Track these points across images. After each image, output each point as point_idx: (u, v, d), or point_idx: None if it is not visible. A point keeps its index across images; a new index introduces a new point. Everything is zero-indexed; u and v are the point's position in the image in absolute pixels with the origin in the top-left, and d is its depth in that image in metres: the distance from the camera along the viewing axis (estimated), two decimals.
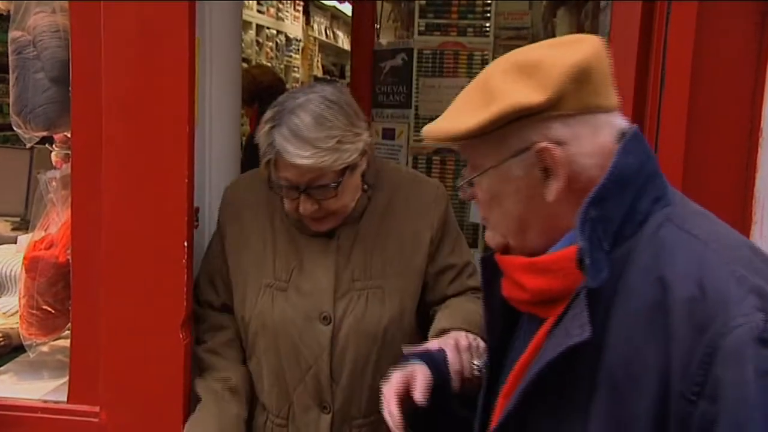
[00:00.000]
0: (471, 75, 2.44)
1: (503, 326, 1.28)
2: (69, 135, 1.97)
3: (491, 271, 1.26)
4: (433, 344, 1.43)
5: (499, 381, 1.24)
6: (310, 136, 1.47)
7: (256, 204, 1.68)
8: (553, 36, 2.72)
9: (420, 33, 2.24)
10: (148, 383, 1.77)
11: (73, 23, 1.82)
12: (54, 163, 2.15)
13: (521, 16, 2.45)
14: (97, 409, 1.86)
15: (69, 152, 1.98)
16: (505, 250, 1.20)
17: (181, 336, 1.77)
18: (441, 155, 2.34)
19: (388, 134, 2.28)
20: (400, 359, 1.38)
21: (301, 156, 1.47)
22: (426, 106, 2.27)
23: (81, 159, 1.86)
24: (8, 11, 2.01)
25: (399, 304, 1.62)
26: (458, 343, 1.41)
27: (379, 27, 2.34)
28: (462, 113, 1.11)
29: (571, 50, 1.07)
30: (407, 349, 1.42)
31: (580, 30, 2.40)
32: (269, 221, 1.67)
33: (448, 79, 2.26)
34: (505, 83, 1.07)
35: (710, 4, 1.65)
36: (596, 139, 1.08)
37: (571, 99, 1.05)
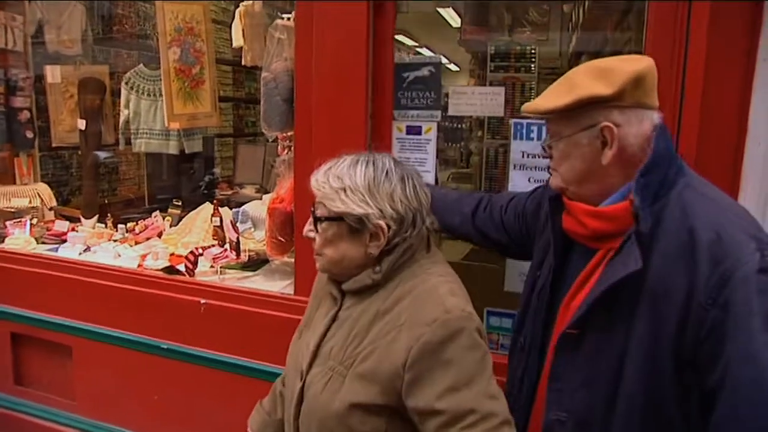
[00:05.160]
0: (523, 97, 2.96)
1: (562, 251, 1.42)
2: (288, 134, 2.56)
3: (555, 206, 1.42)
4: None
5: (560, 295, 1.41)
6: (331, 171, 1.48)
7: None
8: None
9: (491, 71, 2.94)
10: None
11: (297, 66, 2.41)
12: (278, 152, 2.73)
13: (554, 60, 3.18)
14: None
15: (289, 144, 2.56)
16: (562, 192, 1.37)
17: None
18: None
19: (413, 130, 2.42)
20: None
21: (314, 176, 1.50)
22: (456, 108, 2.40)
23: (301, 146, 2.41)
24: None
25: (349, 399, 1.38)
26: None
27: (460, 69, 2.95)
28: (551, 97, 1.29)
29: (632, 63, 1.25)
30: None
31: None
32: None
33: (480, 87, 2.65)
34: (584, 80, 1.25)
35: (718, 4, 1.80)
36: (641, 127, 1.25)
37: (628, 95, 1.23)
